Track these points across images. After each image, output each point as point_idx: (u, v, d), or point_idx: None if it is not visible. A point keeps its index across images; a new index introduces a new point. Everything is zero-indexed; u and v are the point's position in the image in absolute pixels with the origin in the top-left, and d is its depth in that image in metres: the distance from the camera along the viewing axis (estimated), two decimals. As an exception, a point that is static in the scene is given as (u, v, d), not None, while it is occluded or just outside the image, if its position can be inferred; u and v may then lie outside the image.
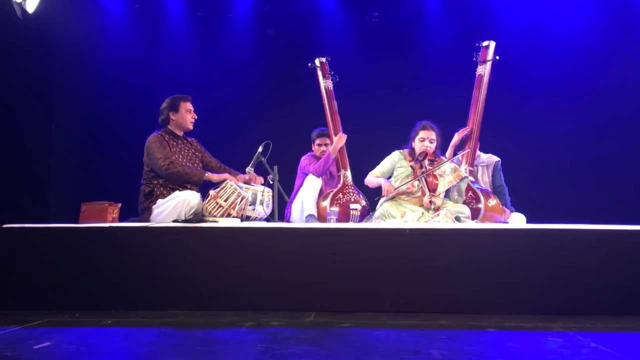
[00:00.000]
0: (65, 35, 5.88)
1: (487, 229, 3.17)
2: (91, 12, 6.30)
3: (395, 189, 4.30)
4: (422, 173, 4.25)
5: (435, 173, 4.27)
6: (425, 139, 4.39)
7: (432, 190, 4.21)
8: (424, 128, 4.43)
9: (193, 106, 4.10)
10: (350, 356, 2.03)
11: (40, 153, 5.52)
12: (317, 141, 5.04)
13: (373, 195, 4.64)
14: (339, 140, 4.83)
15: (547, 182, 6.06)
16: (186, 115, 4.04)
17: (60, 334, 2.38)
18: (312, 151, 5.11)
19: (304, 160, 4.97)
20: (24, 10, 4.99)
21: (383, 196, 4.37)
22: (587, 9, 6.31)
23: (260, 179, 4.07)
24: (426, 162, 4.32)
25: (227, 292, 2.95)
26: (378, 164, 4.61)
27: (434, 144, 4.41)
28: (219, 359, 2.04)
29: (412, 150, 4.49)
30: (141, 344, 2.23)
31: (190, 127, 4.09)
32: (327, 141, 5.00)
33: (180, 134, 4.09)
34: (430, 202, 4.13)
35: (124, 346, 2.22)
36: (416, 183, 4.29)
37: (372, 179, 4.54)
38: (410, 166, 4.40)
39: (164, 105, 4.05)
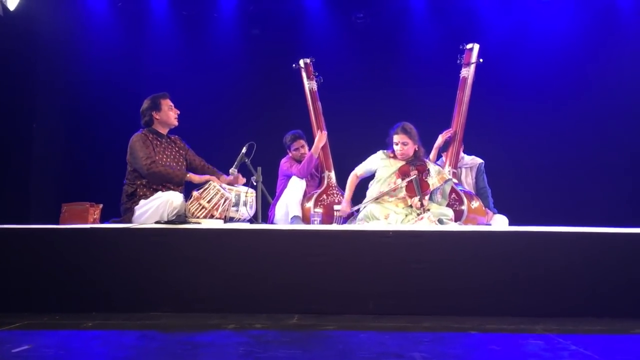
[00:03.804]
0: (48, 33, 5.82)
1: (469, 231, 3.18)
2: (74, 10, 6.23)
3: (353, 209, 4.36)
4: (415, 175, 4.25)
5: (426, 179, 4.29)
6: (398, 143, 4.39)
7: (424, 192, 4.22)
8: (396, 132, 4.39)
9: (175, 104, 4.06)
10: (333, 359, 2.03)
11: (21, 152, 5.46)
12: (293, 146, 4.99)
13: (357, 197, 4.64)
14: (320, 139, 4.83)
15: (529, 184, 6.12)
16: (169, 112, 3.99)
17: (39, 337, 2.35)
18: (289, 155, 5.09)
19: (284, 163, 4.95)
20: (5, 7, 4.93)
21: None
22: (570, 11, 6.38)
23: (243, 179, 4.04)
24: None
25: (209, 294, 2.93)
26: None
27: (408, 146, 4.38)
28: (200, 362, 2.03)
29: (393, 151, 4.49)
30: (122, 348, 2.21)
31: (176, 122, 4.04)
32: (303, 143, 4.99)
33: (165, 132, 4.04)
34: (422, 204, 4.14)
35: (104, 350, 2.19)
36: (399, 181, 4.29)
37: (350, 182, 4.50)
38: (402, 167, 4.37)
39: (145, 106, 3.99)
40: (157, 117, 3.97)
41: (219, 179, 3.92)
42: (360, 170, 4.54)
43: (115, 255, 2.98)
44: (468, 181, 4.86)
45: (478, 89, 4.91)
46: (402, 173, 4.33)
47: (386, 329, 2.52)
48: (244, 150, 3.99)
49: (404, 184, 4.26)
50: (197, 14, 6.68)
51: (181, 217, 3.54)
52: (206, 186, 3.67)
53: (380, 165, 4.46)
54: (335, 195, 4.71)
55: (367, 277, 2.92)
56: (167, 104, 4.00)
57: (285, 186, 4.78)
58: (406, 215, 4.12)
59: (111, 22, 6.49)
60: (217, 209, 3.59)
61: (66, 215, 3.67)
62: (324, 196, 4.66)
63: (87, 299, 2.91)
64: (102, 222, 3.76)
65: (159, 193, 3.72)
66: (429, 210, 4.09)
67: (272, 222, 4.71)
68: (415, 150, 4.41)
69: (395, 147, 4.40)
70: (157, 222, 3.44)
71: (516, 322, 2.67)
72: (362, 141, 5.23)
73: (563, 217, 4.80)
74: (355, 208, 4.37)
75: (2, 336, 2.36)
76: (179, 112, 4.05)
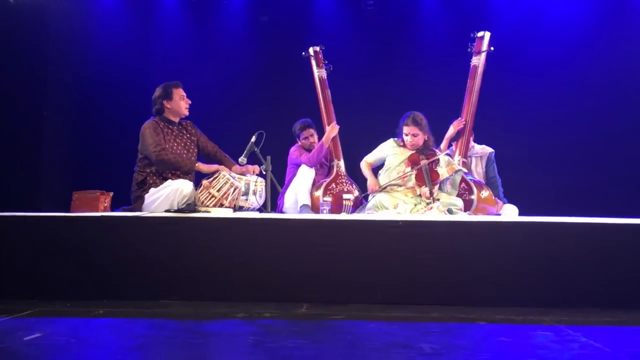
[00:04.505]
0: (58, 21, 5.81)
1: (479, 222, 3.16)
2: (84, -1, 6.24)
3: (382, 186, 4.31)
4: (425, 164, 4.25)
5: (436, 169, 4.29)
6: (408, 134, 4.39)
7: (434, 181, 4.22)
8: (406, 124, 4.40)
9: (186, 92, 4.07)
10: (341, 350, 2.04)
11: (31, 141, 5.48)
12: (303, 135, 4.99)
13: (366, 186, 4.64)
14: (332, 130, 4.82)
15: (540, 173, 6.05)
16: (180, 101, 4.01)
17: (50, 325, 2.37)
18: (298, 143, 5.08)
19: (294, 152, 4.94)
20: (15, -4, 4.94)
21: (368, 193, 4.41)
22: (582, -1, 6.30)
23: (257, 169, 4.03)
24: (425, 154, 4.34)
25: (219, 282, 2.95)
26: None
27: (418, 137, 4.39)
28: (210, 352, 2.04)
29: (403, 139, 4.48)
30: (133, 336, 2.22)
31: (186, 112, 4.06)
32: (312, 131, 4.98)
33: (176, 120, 4.05)
34: (431, 193, 4.13)
35: (115, 338, 2.21)
36: (408, 170, 4.28)
37: (364, 167, 4.56)
38: (412, 156, 4.37)
39: (157, 94, 4.00)
40: (168, 105, 3.98)
41: (230, 168, 3.93)
42: (370, 158, 4.57)
43: (126, 244, 3.00)
44: (478, 170, 4.83)
45: (489, 78, 4.87)
46: (412, 162, 4.32)
47: (394, 319, 2.53)
48: (253, 139, 3.99)
49: (414, 172, 4.25)
50: (206, 0, 6.64)
51: (191, 206, 3.55)
52: (216, 175, 3.68)
53: (390, 153, 4.46)
54: (345, 184, 4.70)
55: (375, 267, 2.92)
56: (179, 93, 4.01)
57: (294, 175, 4.77)
58: (415, 205, 4.12)
59: (120, 10, 6.47)
60: (226, 198, 3.59)
61: (77, 203, 3.69)
62: (333, 185, 4.65)
63: (97, 287, 2.94)
64: (112, 210, 3.77)
65: (169, 181, 3.74)
66: (438, 200, 4.08)
67: (281, 211, 4.71)
68: (425, 140, 4.41)
69: (405, 138, 4.40)
70: (167, 211, 3.45)
71: (525, 312, 2.67)
72: (371, 130, 5.21)
73: (573, 207, 4.77)
74: (365, 194, 4.38)
75: (14, 324, 2.38)
76: (190, 102, 4.06)
